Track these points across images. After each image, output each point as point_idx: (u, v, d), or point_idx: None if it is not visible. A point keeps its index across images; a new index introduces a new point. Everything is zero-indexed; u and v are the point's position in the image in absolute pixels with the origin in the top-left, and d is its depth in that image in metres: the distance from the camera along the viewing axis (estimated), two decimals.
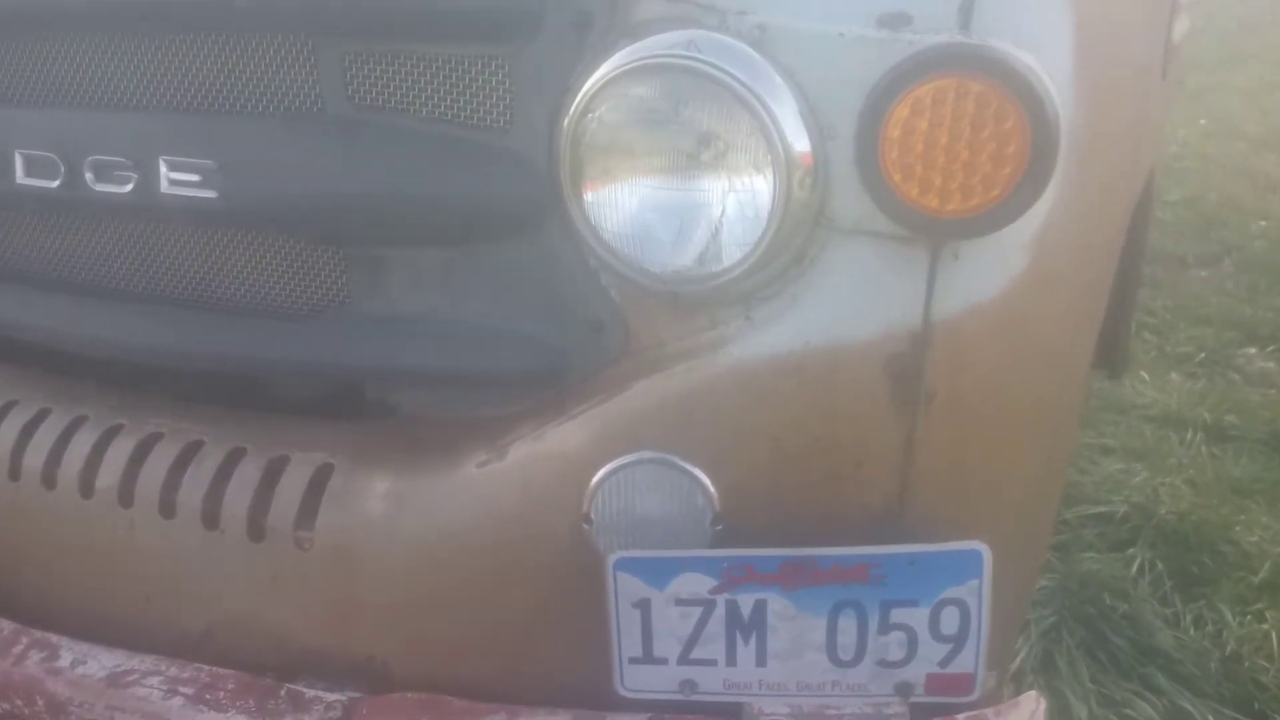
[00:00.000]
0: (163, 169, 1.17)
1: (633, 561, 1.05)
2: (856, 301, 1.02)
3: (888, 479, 1.05)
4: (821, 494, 1.06)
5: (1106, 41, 1.08)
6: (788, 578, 1.04)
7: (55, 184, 1.21)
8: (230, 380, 1.34)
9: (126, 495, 1.21)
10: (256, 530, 1.17)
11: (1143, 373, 3.02)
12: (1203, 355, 3.17)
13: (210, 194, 1.16)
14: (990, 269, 1.01)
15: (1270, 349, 3.25)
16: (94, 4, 1.18)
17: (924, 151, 0.93)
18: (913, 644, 1.07)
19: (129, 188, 1.18)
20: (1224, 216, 4.38)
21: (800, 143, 0.96)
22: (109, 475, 1.22)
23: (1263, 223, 4.33)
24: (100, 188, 1.19)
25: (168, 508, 1.20)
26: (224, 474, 1.20)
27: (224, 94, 1.18)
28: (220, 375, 1.31)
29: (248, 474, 1.19)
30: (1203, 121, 5.79)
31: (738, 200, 0.98)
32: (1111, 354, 2.26)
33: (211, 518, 1.18)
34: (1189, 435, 2.70)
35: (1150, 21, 1.24)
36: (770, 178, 0.97)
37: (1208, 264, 3.93)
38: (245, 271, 1.26)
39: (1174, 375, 3.05)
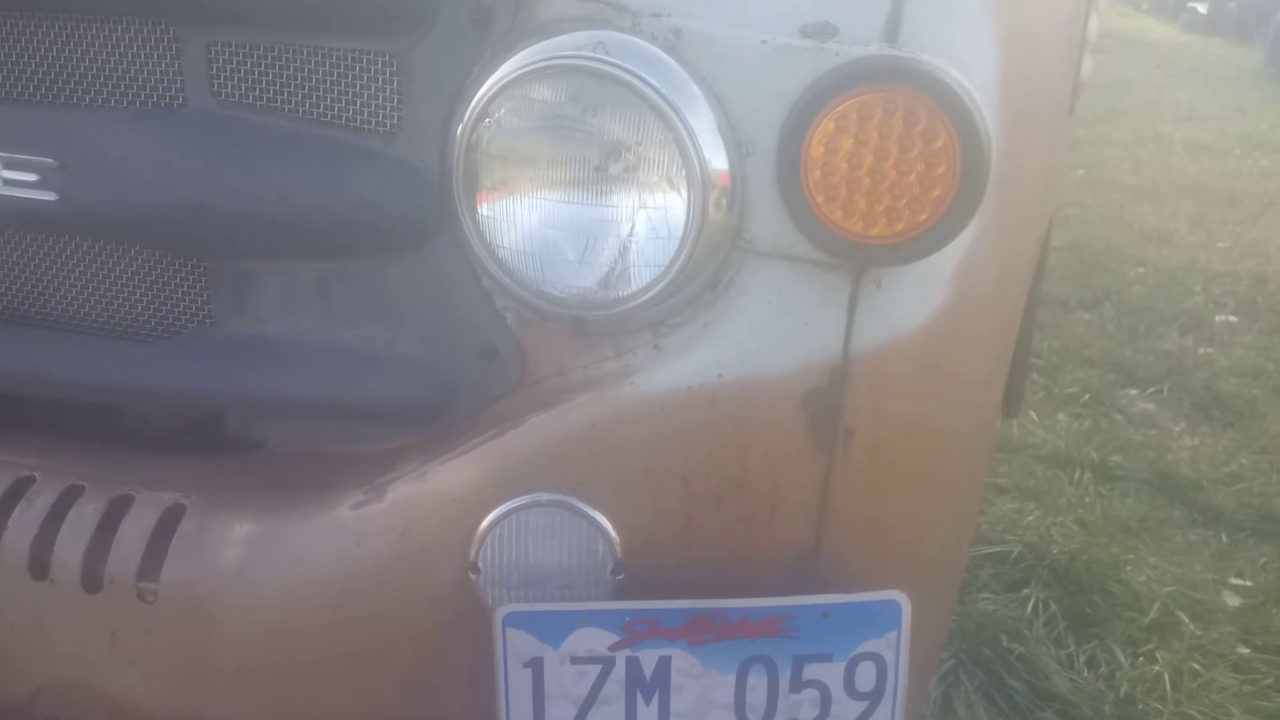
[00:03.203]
0: None
1: (524, 616, 0.95)
2: (773, 331, 0.94)
3: (803, 523, 0.98)
4: (733, 539, 0.98)
5: (1029, 67, 1.05)
6: (694, 632, 0.96)
7: None
8: (70, 408, 1.19)
9: None
10: (92, 580, 1.02)
11: (1032, 413, 3.06)
12: (1087, 396, 3.23)
13: (49, 195, 1.02)
14: (913, 300, 0.95)
15: (1150, 390, 3.35)
16: None
17: (849, 172, 0.87)
18: (826, 702, 0.99)
19: None
20: (1104, 262, 4.53)
21: (717, 158, 0.89)
22: None
23: (1140, 269, 4.49)
24: None
25: None
26: (56, 515, 1.05)
27: (69, 84, 1.05)
28: (59, 402, 1.16)
29: (84, 515, 1.05)
30: (1081, 172, 6.02)
31: (648, 218, 0.90)
32: (1007, 395, 2.26)
33: (40, 566, 1.03)
34: (1077, 475, 2.73)
35: (1066, 54, 1.22)
36: (684, 194, 0.89)
37: (1089, 307, 4.04)
38: (90, 284, 1.12)
39: (1061, 416, 3.10)
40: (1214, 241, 4.96)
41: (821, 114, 0.85)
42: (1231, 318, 4.01)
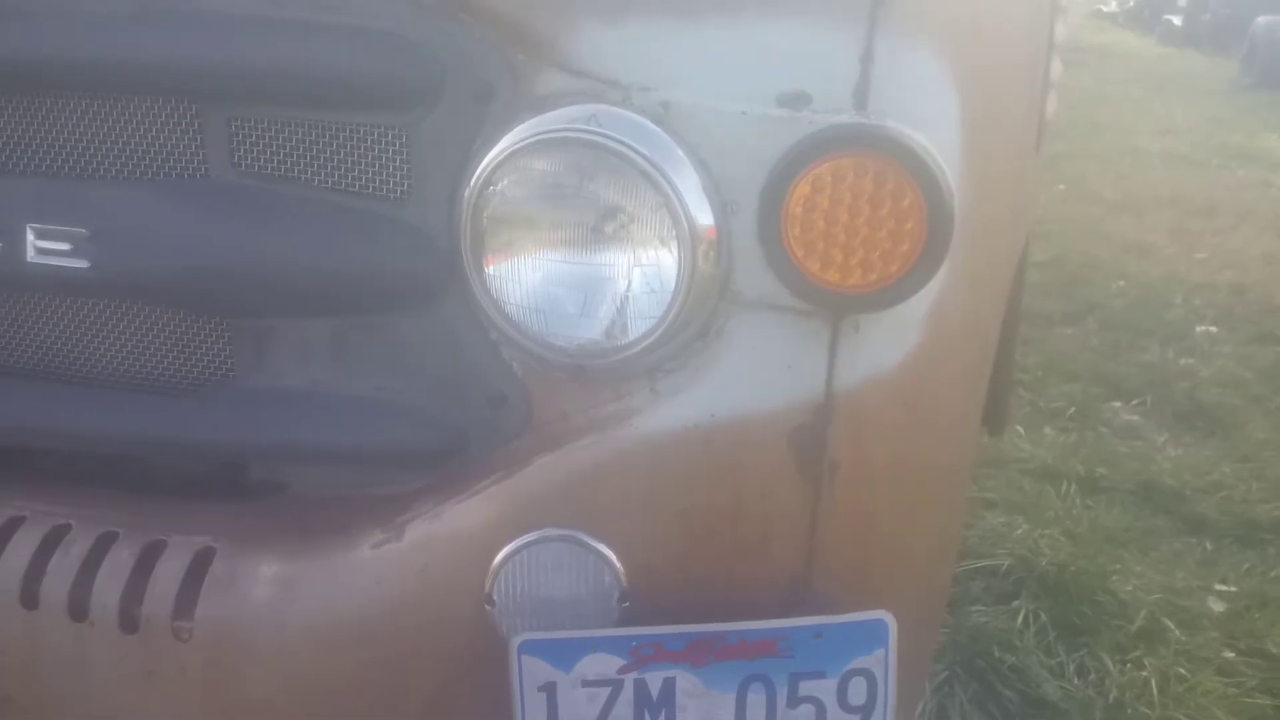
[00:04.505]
0: (29, 236, 1.09)
1: (538, 644, 1.01)
2: (760, 373, 1.02)
3: (794, 550, 1.05)
4: (729, 567, 1.05)
5: (990, 121, 1.12)
6: (696, 655, 1.02)
7: None
8: (101, 459, 1.25)
9: None
10: (129, 621, 1.09)
11: (1019, 428, 3.13)
12: (1073, 410, 3.30)
13: (81, 263, 1.09)
14: (889, 341, 1.03)
15: (1134, 402, 3.42)
16: None
17: (825, 228, 0.95)
18: (821, 716, 1.06)
19: None
20: (1086, 276, 4.62)
21: (704, 217, 0.97)
22: None
23: (1121, 282, 4.57)
24: None
25: (30, 598, 1.10)
26: (93, 560, 1.11)
27: (99, 158, 1.12)
28: (91, 454, 1.23)
29: (120, 560, 1.11)
30: (1061, 187, 6.12)
31: (643, 274, 0.98)
32: (993, 413, 2.33)
33: (79, 608, 1.09)
34: (1064, 487, 2.79)
35: (1028, 101, 1.30)
36: (675, 252, 0.96)
37: (1073, 322, 4.12)
38: (119, 343, 1.19)
39: (1048, 430, 3.17)
40: (1192, 253, 5.06)
41: (798, 177, 0.93)
42: (1211, 328, 4.10)
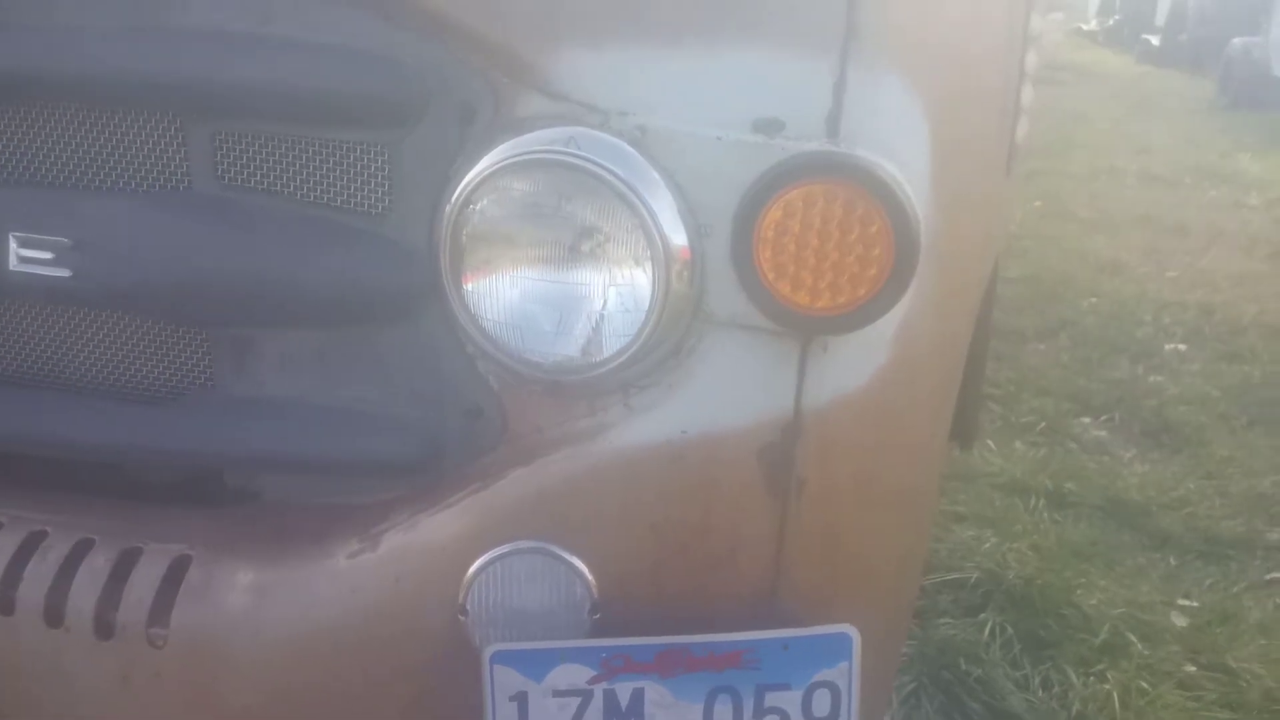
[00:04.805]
0: (12, 245, 1.11)
1: (510, 654, 1.03)
2: (731, 391, 1.04)
3: (762, 564, 1.07)
4: (699, 580, 1.07)
5: (959, 147, 1.16)
6: (665, 666, 1.05)
7: None
8: (78, 466, 1.26)
9: None
10: (104, 628, 1.10)
11: (990, 442, 3.17)
12: (1043, 425, 3.35)
13: (63, 272, 1.10)
14: (857, 361, 1.06)
15: (1103, 418, 3.47)
16: None
17: (796, 251, 0.97)
18: None
19: None
20: (1059, 293, 4.69)
21: (678, 238, 0.99)
22: None
23: (1093, 299, 4.64)
24: None
25: (5, 604, 1.11)
26: (69, 567, 1.12)
27: (82, 169, 1.13)
28: (68, 461, 1.24)
29: (96, 566, 1.12)
30: (1038, 203, 6.21)
31: (618, 293, 1.00)
32: (963, 427, 2.37)
33: (55, 614, 1.11)
34: (1033, 502, 2.83)
35: (998, 127, 1.33)
36: (649, 272, 0.99)
37: (1045, 338, 4.18)
38: (99, 351, 1.20)
39: (1018, 444, 3.21)
40: (1164, 271, 5.14)
41: (770, 201, 0.96)
42: (1180, 346, 4.16)
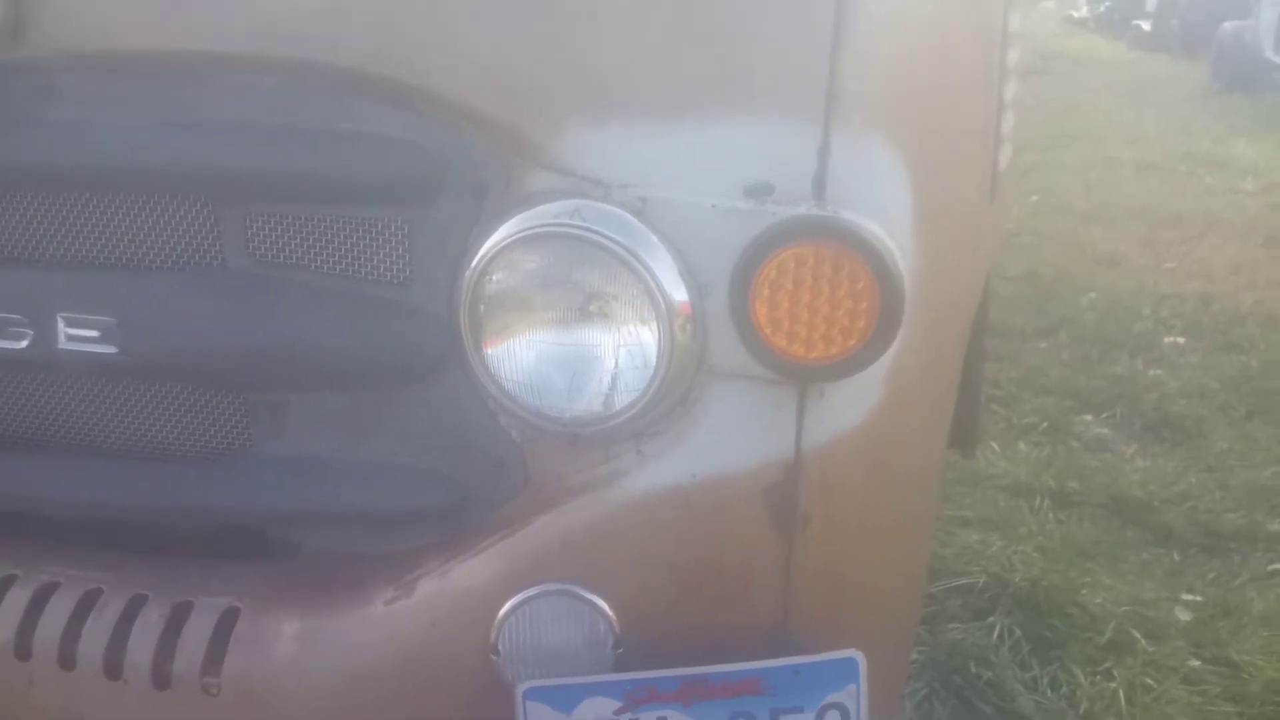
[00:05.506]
0: (60, 325, 1.19)
1: (541, 690, 1.11)
2: (735, 437, 1.12)
3: (772, 597, 1.15)
4: (714, 614, 1.15)
5: (940, 193, 1.23)
6: (686, 695, 1.12)
7: None
8: (127, 525, 1.34)
9: (23, 648, 1.20)
10: (161, 679, 1.18)
11: (993, 444, 3.23)
12: (1045, 424, 3.40)
13: (110, 349, 1.18)
14: (852, 402, 1.13)
15: (1104, 415, 3.52)
16: None
17: (789, 307, 1.05)
18: None
19: (24, 344, 1.20)
20: (1057, 290, 4.74)
21: (680, 298, 1.07)
22: (4, 629, 1.21)
23: (1092, 295, 4.69)
24: None
25: (67, 660, 1.19)
26: (125, 622, 1.20)
27: (124, 251, 1.21)
28: (118, 521, 1.31)
29: (150, 621, 1.20)
30: (1034, 198, 6.26)
31: (627, 351, 1.08)
32: (964, 435, 2.43)
33: (114, 668, 1.18)
34: (1037, 503, 2.88)
35: (980, 162, 1.40)
36: (655, 331, 1.07)
37: (1045, 336, 4.23)
38: (145, 418, 1.28)
39: (1021, 445, 3.27)
40: (1161, 263, 5.19)
41: (764, 262, 1.04)
42: (1179, 339, 4.21)
